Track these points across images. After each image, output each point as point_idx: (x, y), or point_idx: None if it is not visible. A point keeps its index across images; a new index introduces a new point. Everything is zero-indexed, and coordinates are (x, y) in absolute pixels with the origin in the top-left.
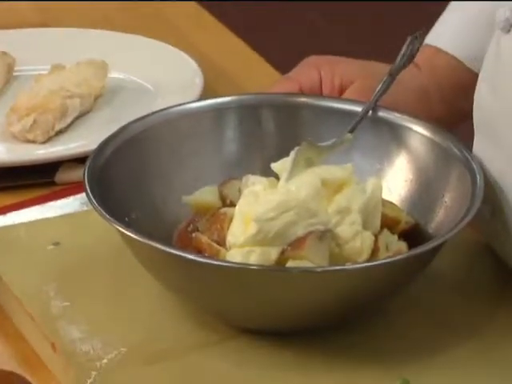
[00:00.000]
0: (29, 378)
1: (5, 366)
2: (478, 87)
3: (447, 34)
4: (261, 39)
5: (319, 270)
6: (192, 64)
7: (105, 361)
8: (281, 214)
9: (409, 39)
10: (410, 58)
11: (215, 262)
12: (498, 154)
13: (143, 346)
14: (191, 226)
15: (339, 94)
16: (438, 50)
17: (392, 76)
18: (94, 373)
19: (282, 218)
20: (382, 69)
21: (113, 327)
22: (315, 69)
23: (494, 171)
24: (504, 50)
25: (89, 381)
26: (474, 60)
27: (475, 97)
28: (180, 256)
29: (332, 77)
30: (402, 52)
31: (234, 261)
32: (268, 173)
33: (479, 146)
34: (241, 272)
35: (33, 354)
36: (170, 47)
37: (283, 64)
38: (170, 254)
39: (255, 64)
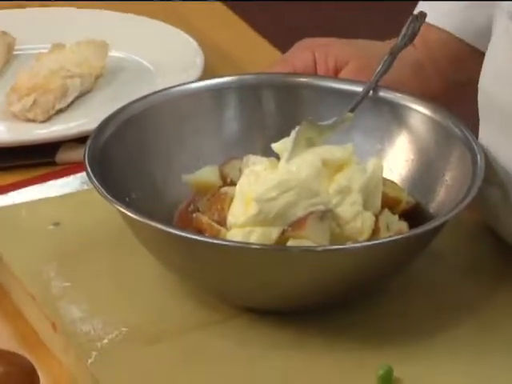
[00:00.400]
0: (29, 357)
1: (4, 346)
2: (482, 74)
3: (434, 11)
4: (266, 24)
5: (319, 249)
6: (193, 44)
7: (105, 341)
8: (281, 194)
9: (410, 19)
10: (411, 37)
11: (216, 241)
12: (505, 139)
13: (144, 326)
14: (192, 206)
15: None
16: (430, 26)
17: (393, 55)
18: (94, 353)
19: (283, 197)
20: (376, 48)
21: (113, 307)
22: (309, 51)
23: (501, 155)
24: None
25: (89, 361)
26: (463, 30)
27: (480, 84)
28: (180, 236)
29: (326, 58)
30: (402, 32)
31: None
32: (269, 153)
33: (485, 132)
34: (241, 251)
35: (33, 334)
36: (171, 27)
37: (287, 47)
38: (171, 233)
39: (257, 45)
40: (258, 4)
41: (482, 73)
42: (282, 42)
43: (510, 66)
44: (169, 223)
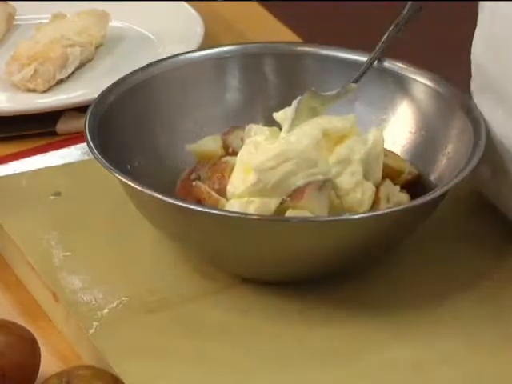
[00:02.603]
0: (30, 328)
1: (5, 316)
2: (473, 45)
3: None
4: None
5: (318, 219)
6: (193, 13)
7: (106, 310)
8: (280, 164)
9: None
10: (418, 9)
11: (213, 212)
12: (499, 113)
13: (145, 296)
14: (194, 174)
15: None
16: None
17: (398, 26)
18: (95, 323)
19: (282, 167)
20: None
21: (114, 276)
22: None
23: (494, 131)
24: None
25: (90, 331)
26: None
27: (472, 57)
28: (178, 206)
29: None
30: (409, 3)
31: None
32: (271, 122)
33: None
34: (239, 222)
35: (34, 305)
36: None
37: (288, 18)
38: (169, 203)
39: (259, 15)
40: None
41: (473, 44)
42: (284, 12)
43: (497, 37)
44: (171, 192)
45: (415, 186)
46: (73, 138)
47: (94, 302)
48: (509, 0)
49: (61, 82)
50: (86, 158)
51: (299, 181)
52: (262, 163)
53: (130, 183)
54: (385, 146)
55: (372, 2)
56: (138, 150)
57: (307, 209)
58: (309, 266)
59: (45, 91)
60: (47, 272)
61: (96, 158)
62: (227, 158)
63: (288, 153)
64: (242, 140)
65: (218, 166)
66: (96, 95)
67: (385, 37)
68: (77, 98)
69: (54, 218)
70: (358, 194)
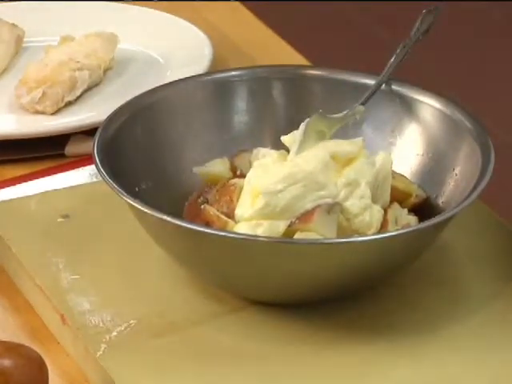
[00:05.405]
0: (38, 350)
1: (13, 338)
2: None
3: None
4: (279, 21)
5: (326, 242)
6: (202, 36)
7: (114, 333)
8: (288, 187)
9: (424, 12)
10: (425, 31)
11: (222, 234)
12: None
13: (153, 319)
14: (201, 197)
15: None
16: None
17: (406, 49)
18: (103, 345)
19: (290, 190)
20: None
21: (122, 299)
22: None
23: None
24: None
25: (98, 353)
26: None
27: None
28: (186, 228)
29: None
30: (416, 25)
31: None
32: (279, 145)
33: None
34: (247, 244)
35: (42, 327)
36: (180, 20)
37: (298, 43)
38: (177, 225)
39: (268, 39)
40: (271, 3)
41: None
42: (293, 37)
43: None
44: (178, 214)
45: (423, 208)
46: (81, 161)
47: (102, 325)
48: None
49: (69, 104)
50: (94, 180)
51: (308, 204)
52: (270, 186)
53: (138, 206)
54: (393, 169)
55: (379, 24)
56: (146, 173)
57: (316, 231)
58: (316, 288)
59: (53, 114)
60: (55, 294)
61: (105, 181)
62: (235, 181)
63: (296, 175)
64: (250, 163)
65: (225, 189)
66: (104, 118)
67: (392, 59)
68: (85, 121)
69: (63, 240)
70: (367, 217)
